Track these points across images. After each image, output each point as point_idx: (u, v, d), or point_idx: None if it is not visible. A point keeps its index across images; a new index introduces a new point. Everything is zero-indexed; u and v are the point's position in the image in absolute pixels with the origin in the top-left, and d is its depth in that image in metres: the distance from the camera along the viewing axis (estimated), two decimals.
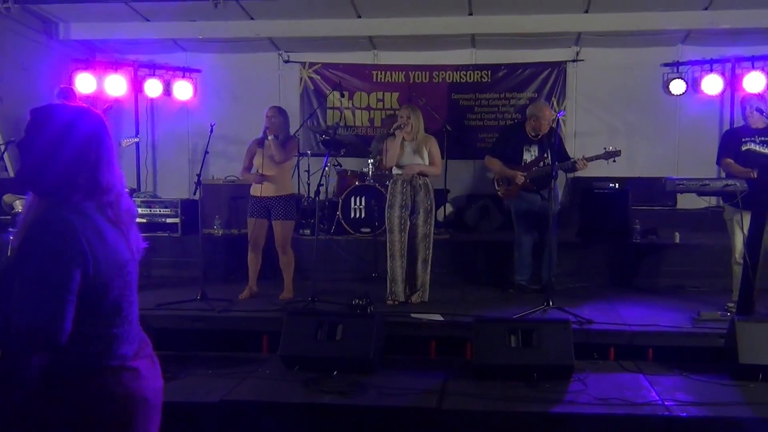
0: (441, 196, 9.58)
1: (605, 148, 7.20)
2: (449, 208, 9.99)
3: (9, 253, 7.11)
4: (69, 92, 7.42)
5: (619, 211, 8.40)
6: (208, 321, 6.46)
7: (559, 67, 10.48)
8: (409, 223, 6.99)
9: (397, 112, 9.87)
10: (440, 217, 9.53)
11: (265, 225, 7.16)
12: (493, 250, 8.48)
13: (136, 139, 7.27)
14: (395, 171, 7.06)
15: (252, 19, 9.61)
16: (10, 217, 8.01)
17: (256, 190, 7.13)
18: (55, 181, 2.24)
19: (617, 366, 5.79)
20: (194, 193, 6.85)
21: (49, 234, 2.14)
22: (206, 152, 7.09)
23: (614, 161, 7.21)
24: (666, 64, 10.19)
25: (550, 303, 6.52)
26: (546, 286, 7.26)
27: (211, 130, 7.09)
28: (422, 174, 6.98)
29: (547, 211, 7.28)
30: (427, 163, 6.98)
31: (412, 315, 6.44)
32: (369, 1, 8.91)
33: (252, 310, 6.69)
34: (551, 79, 10.48)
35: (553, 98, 10.42)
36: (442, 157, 9.16)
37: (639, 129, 10.38)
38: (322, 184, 7.02)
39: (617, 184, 8.56)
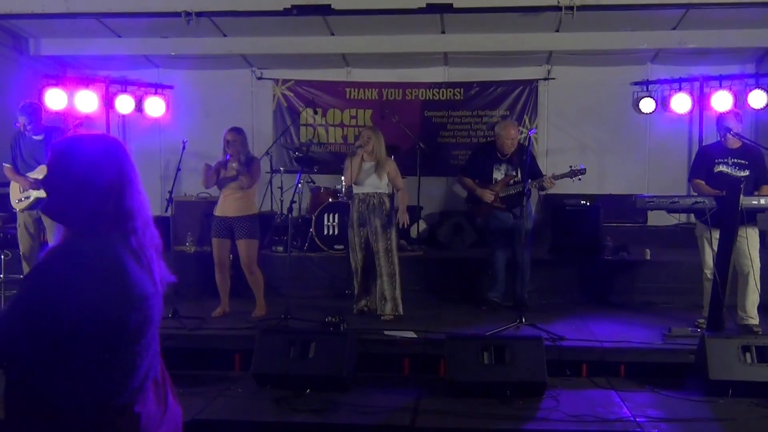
0: (414, 213, 9.59)
1: (570, 167, 7.28)
2: (422, 225, 10.01)
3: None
4: (33, 107, 7.29)
5: (590, 228, 8.48)
6: (180, 339, 6.38)
7: (531, 86, 10.58)
8: (369, 240, 7.13)
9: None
10: (413, 234, 9.54)
11: (228, 245, 7.09)
12: (466, 267, 8.50)
13: None
14: (354, 189, 7.19)
15: (225, 35, 9.59)
16: None
17: (218, 210, 7.10)
18: (82, 213, 2.19)
19: (589, 382, 5.83)
20: (166, 210, 6.80)
21: (58, 263, 2.12)
22: (178, 169, 7.06)
23: (579, 179, 7.28)
24: (636, 83, 10.34)
25: (523, 320, 6.56)
26: (519, 303, 7.30)
27: (183, 147, 7.06)
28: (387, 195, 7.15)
29: (520, 228, 7.34)
30: (384, 183, 7.11)
31: (386, 332, 6.43)
32: (342, 19, 8.91)
33: (224, 328, 6.64)
34: (523, 97, 10.58)
35: (525, 116, 10.52)
36: (415, 174, 9.28)
37: (609, 147, 10.50)
38: (295, 202, 7.01)
39: (588, 202, 8.65)
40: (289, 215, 6.91)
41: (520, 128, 10.25)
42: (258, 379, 5.68)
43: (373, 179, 7.07)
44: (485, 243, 7.92)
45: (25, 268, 7.32)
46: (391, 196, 7.20)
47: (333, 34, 9.54)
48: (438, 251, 9.41)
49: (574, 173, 7.21)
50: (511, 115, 10.47)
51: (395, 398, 5.45)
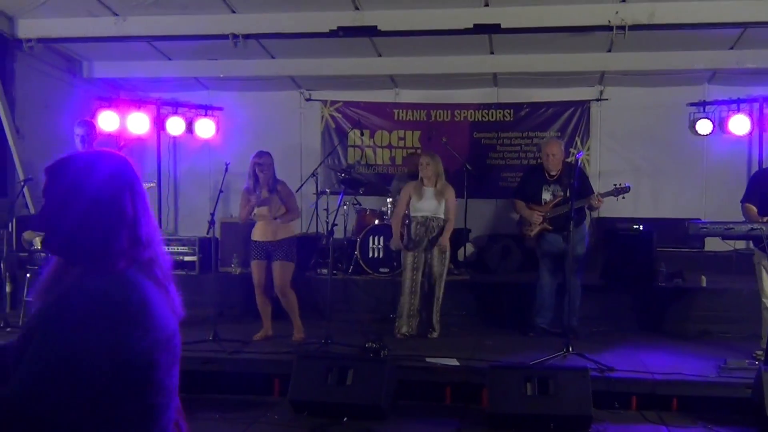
0: (462, 236, 9.41)
1: (615, 185, 7.06)
2: (470, 248, 9.80)
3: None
4: (91, 124, 7.32)
5: (643, 253, 8.17)
6: (219, 363, 6.31)
7: (583, 106, 10.34)
8: (424, 262, 7.14)
9: (418, 151, 9.86)
10: (460, 258, 9.36)
11: (266, 266, 7.04)
12: (513, 292, 8.28)
13: (153, 184, 7.18)
14: (412, 212, 7.26)
15: (273, 57, 9.59)
16: (27, 253, 7.99)
17: (256, 235, 7.07)
18: (93, 248, 1.87)
19: (639, 416, 5.56)
20: (207, 232, 6.77)
21: (88, 304, 1.79)
22: (220, 191, 7.04)
23: (623, 197, 7.06)
24: (692, 104, 10.00)
25: (570, 349, 6.29)
26: (567, 330, 7.03)
27: (226, 170, 7.07)
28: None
29: (570, 252, 7.07)
30: (443, 209, 7.23)
31: (427, 359, 6.25)
32: (389, 40, 8.81)
33: (263, 352, 6.54)
34: (575, 118, 10.34)
35: (576, 137, 10.28)
36: (463, 196, 9.14)
37: (664, 169, 10.18)
38: (336, 224, 6.88)
39: (641, 226, 8.34)
40: (330, 238, 6.78)
41: (571, 150, 10.06)
42: (295, 406, 5.56)
43: (432, 204, 7.20)
44: (534, 267, 7.70)
45: None
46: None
47: (380, 56, 9.46)
48: (485, 275, 9.19)
49: (618, 191, 6.98)
50: (563, 136, 10.23)
51: (434, 429, 5.30)
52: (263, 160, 6.93)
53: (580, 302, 7.38)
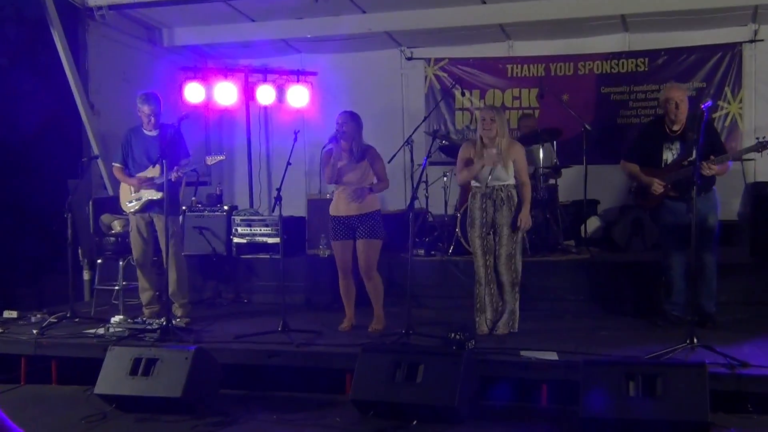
0: (584, 209, 8.86)
1: (757, 138, 6.33)
2: (596, 222, 9.20)
3: None
4: (159, 99, 7.30)
5: None
6: (285, 356, 6.15)
7: (733, 50, 9.55)
8: (493, 243, 6.55)
9: (535, 112, 9.36)
10: (582, 234, 8.81)
11: (352, 246, 6.82)
12: (641, 273, 7.65)
13: (222, 157, 7.12)
14: (473, 183, 6.65)
15: (363, 12, 9.32)
16: (98, 238, 8.11)
17: (335, 209, 6.84)
18: None
19: None
20: (272, 210, 6.62)
21: None
22: (288, 163, 6.86)
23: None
24: None
25: (695, 340, 5.68)
26: (704, 318, 6.43)
27: (295, 139, 6.91)
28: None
29: (702, 223, 6.37)
30: (511, 173, 6.49)
31: (522, 353, 5.83)
32: None
33: (335, 344, 6.30)
34: (723, 65, 9.57)
35: (725, 87, 9.55)
36: (582, 163, 8.56)
37: None
38: (417, 197, 6.53)
39: None
40: (411, 211, 6.41)
41: (720, 103, 9.30)
42: (358, 406, 5.31)
43: (497, 170, 6.46)
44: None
45: (139, 276, 7.41)
46: (518, 188, 6.55)
47: (484, 2, 8.99)
48: (610, 254, 8.61)
49: (762, 146, 6.23)
50: (709, 87, 9.54)
51: None
52: (342, 119, 6.74)
53: (718, 284, 6.70)
